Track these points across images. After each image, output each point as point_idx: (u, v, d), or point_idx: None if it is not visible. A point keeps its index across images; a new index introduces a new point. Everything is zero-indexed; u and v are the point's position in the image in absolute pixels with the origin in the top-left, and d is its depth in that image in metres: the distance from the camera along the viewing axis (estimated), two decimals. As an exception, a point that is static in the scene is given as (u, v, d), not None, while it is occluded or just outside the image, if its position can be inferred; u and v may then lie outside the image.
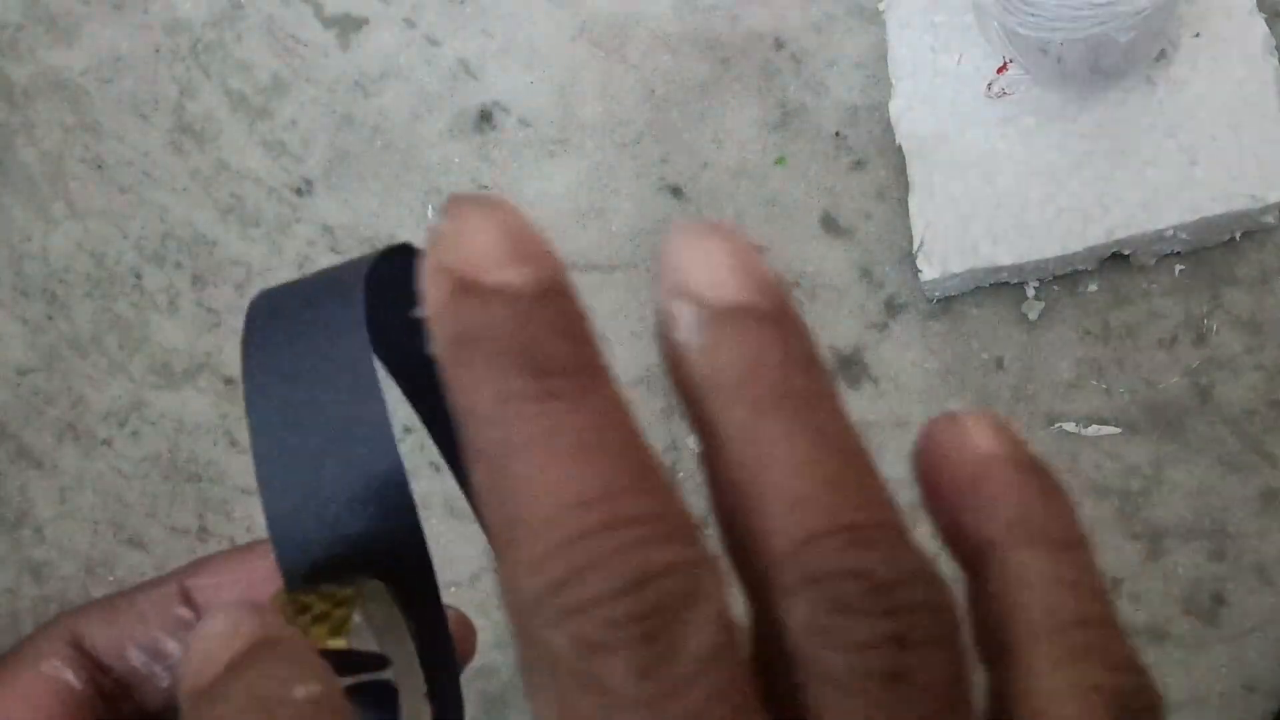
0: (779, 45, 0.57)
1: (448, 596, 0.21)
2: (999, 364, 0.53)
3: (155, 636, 0.26)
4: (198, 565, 0.26)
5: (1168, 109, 0.51)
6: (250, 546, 0.26)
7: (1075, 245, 0.51)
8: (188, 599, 0.25)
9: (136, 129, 0.62)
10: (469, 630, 0.28)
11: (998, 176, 0.52)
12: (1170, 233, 0.50)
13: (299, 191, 0.61)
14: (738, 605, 0.17)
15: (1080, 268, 0.52)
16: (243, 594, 0.24)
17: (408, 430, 0.58)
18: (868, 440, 0.19)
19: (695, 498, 0.19)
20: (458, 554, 0.56)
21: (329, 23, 0.62)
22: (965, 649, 0.17)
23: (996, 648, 0.19)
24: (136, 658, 0.25)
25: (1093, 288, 0.53)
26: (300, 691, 0.16)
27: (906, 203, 0.53)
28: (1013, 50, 0.51)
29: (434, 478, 0.55)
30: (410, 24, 0.61)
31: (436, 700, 0.22)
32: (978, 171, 0.52)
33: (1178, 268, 0.52)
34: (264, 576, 0.24)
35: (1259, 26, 0.51)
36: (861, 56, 0.56)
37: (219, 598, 0.24)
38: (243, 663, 0.16)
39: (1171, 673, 0.51)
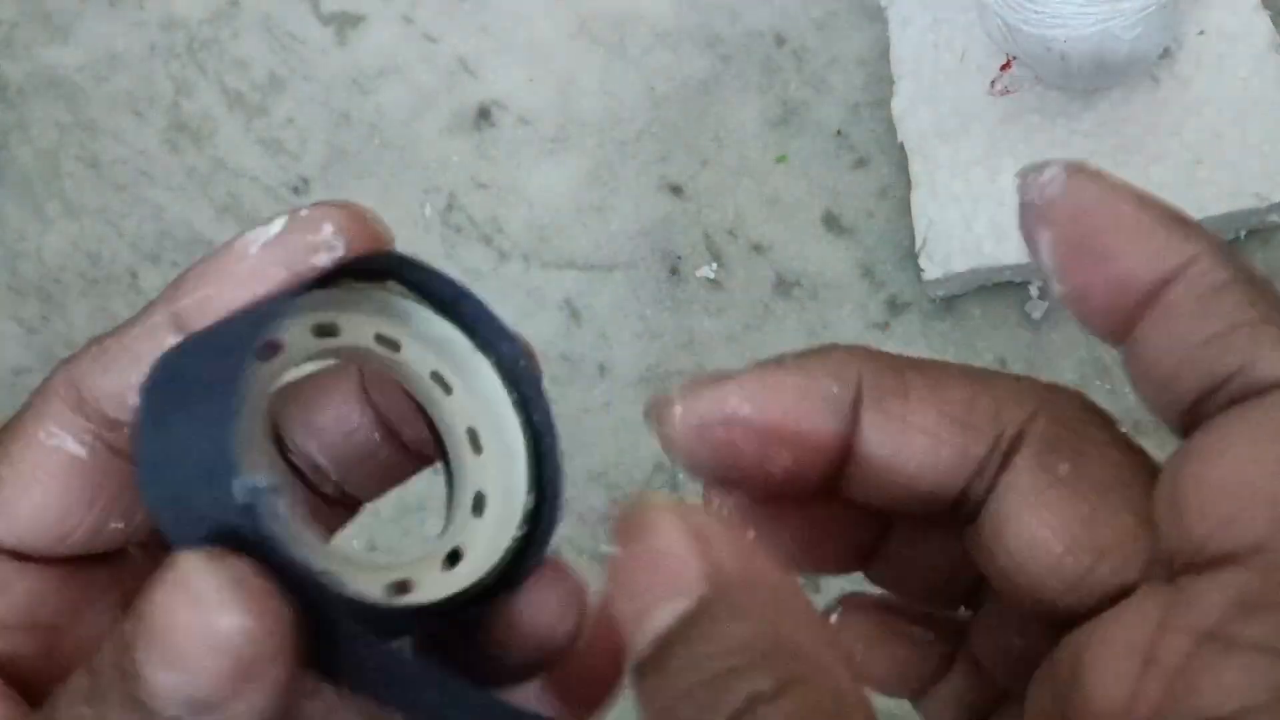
0: (780, 42, 0.57)
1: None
2: (1002, 364, 0.53)
3: None
4: (177, 286, 0.22)
5: (1172, 107, 0.51)
6: (227, 246, 0.22)
7: (1079, 244, 0.50)
8: (180, 324, 0.21)
9: (132, 127, 0.62)
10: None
11: (1000, 174, 0.52)
12: (1175, 231, 0.50)
13: (296, 190, 0.60)
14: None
15: (1084, 267, 0.52)
16: (230, 302, 0.21)
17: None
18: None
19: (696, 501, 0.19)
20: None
21: (326, 20, 0.61)
22: None
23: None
24: None
25: (1096, 287, 0.53)
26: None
27: (909, 201, 0.53)
28: (1016, 48, 0.50)
29: (433, 478, 0.55)
30: (408, 21, 0.61)
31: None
32: (980, 169, 0.52)
33: (1182, 267, 0.52)
34: (249, 276, 0.21)
35: (1264, 23, 0.51)
36: (863, 54, 0.56)
37: (210, 312, 0.21)
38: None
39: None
